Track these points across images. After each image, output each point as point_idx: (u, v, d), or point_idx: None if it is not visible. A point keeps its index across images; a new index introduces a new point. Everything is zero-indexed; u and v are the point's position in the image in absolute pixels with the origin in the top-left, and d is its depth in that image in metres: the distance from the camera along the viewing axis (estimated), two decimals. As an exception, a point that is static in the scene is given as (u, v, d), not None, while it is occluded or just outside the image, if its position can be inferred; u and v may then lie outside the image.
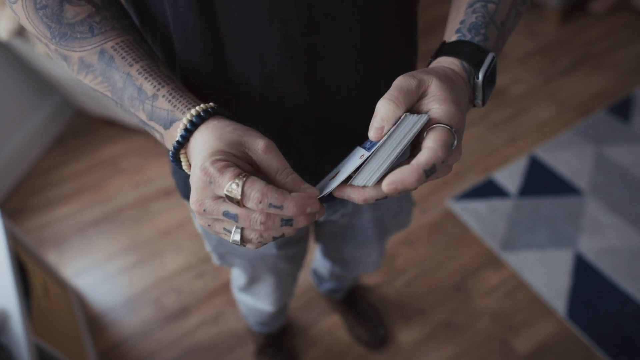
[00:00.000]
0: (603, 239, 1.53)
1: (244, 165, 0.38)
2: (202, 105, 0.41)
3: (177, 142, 0.40)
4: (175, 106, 0.41)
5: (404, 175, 0.35)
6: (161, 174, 1.86)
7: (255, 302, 1.01)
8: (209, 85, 0.50)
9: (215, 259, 0.81)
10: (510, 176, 1.73)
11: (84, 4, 0.42)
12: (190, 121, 0.40)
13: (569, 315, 1.38)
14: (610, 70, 2.08)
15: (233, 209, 0.36)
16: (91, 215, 1.76)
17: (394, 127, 0.38)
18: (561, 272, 1.47)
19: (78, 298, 1.52)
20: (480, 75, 0.44)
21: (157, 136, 0.44)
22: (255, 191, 0.35)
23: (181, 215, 1.71)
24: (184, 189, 0.65)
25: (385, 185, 0.36)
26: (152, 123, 0.43)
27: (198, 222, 0.72)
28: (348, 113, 0.54)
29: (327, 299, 1.44)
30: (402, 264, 1.54)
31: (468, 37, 0.45)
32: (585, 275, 1.45)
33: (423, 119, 0.37)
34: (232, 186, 0.35)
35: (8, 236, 1.11)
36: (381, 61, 0.53)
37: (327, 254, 1.02)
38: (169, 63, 0.51)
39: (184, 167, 0.43)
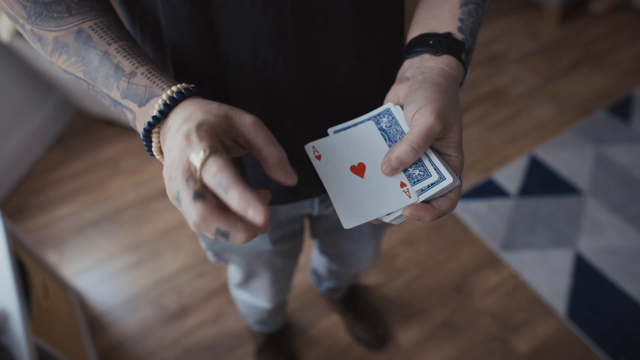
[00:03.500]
0: (603, 239, 1.53)
1: (229, 142, 0.37)
2: (183, 84, 0.39)
3: (154, 117, 0.38)
4: (154, 83, 0.40)
5: (423, 214, 0.42)
6: (161, 174, 1.86)
7: (252, 299, 1.01)
8: (202, 76, 0.50)
9: (210, 257, 0.81)
10: (510, 176, 1.73)
11: None
12: (171, 97, 0.38)
13: (569, 315, 1.38)
14: (610, 70, 2.08)
15: (183, 194, 0.33)
16: (91, 215, 1.76)
17: (432, 191, 0.42)
18: (561, 272, 1.47)
19: (78, 298, 1.52)
20: (462, 86, 0.48)
21: (129, 116, 0.42)
22: (214, 165, 0.32)
23: (181, 215, 1.71)
24: None
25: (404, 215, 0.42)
26: (125, 101, 0.41)
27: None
28: (342, 103, 0.54)
29: (326, 298, 1.44)
30: (402, 264, 1.54)
31: (470, 44, 0.46)
32: (585, 275, 1.45)
33: (453, 186, 0.42)
34: (200, 153, 0.33)
35: (8, 236, 1.11)
36: (374, 52, 0.54)
37: (324, 250, 1.02)
38: (161, 56, 0.51)
39: (154, 148, 0.40)
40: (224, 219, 0.32)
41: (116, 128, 2.05)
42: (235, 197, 0.31)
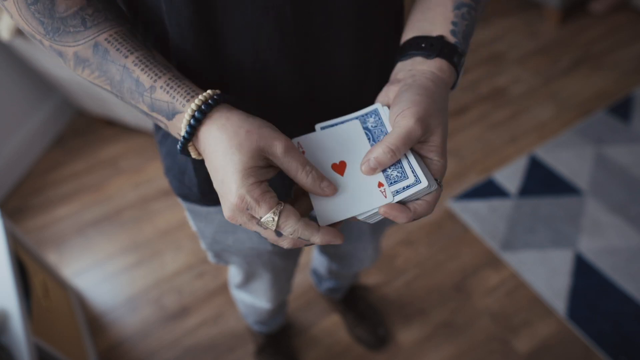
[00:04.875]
0: (603, 239, 1.53)
1: (268, 171, 0.41)
2: (200, 96, 0.41)
3: (184, 137, 0.41)
4: (174, 97, 0.42)
5: (397, 215, 0.42)
6: (161, 174, 1.86)
7: (252, 299, 1.01)
8: (204, 77, 0.50)
9: (210, 257, 0.81)
10: (510, 176, 1.73)
11: None
12: (193, 116, 0.40)
13: (569, 315, 1.38)
14: (610, 70, 2.08)
15: (264, 232, 0.41)
16: (91, 215, 1.76)
17: (407, 192, 0.42)
18: (561, 272, 1.47)
19: (78, 298, 1.52)
20: (455, 88, 0.48)
21: (162, 126, 0.44)
22: (289, 226, 0.39)
23: (181, 215, 1.71)
24: (179, 187, 0.65)
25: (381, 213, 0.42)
26: (154, 114, 0.43)
27: (194, 222, 0.72)
28: (342, 102, 0.54)
29: (326, 298, 1.44)
30: (402, 264, 1.54)
31: (463, 47, 0.47)
32: (585, 275, 1.45)
33: (429, 190, 0.43)
34: (268, 218, 0.39)
35: (8, 236, 1.11)
36: (374, 50, 0.54)
37: (324, 249, 1.02)
38: (165, 56, 0.51)
39: (193, 156, 0.44)
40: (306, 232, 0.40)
41: (116, 128, 2.05)
42: (318, 241, 0.40)
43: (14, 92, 1.85)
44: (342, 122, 0.47)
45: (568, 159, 1.76)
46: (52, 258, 1.64)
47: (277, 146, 0.40)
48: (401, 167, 0.42)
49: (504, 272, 1.50)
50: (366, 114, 0.46)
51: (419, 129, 0.41)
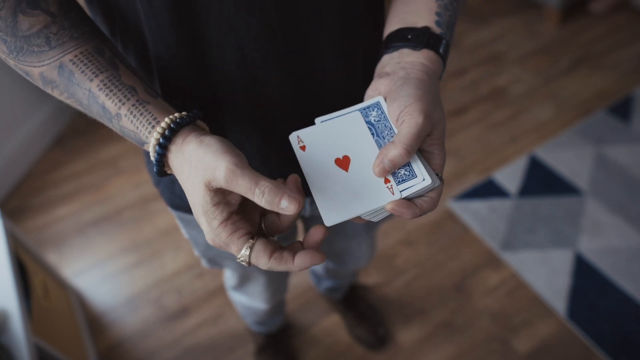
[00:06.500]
0: (603, 239, 1.53)
1: (229, 201, 0.38)
2: (158, 128, 0.39)
3: (156, 170, 0.41)
4: (137, 127, 0.40)
5: (405, 211, 0.42)
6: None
7: (249, 300, 1.01)
8: (190, 86, 0.49)
9: (204, 263, 0.81)
10: (510, 176, 1.73)
11: (39, 14, 0.40)
12: (155, 151, 0.40)
13: (569, 315, 1.38)
14: (610, 70, 2.08)
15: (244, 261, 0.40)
16: (91, 215, 1.76)
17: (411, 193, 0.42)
18: (561, 272, 1.47)
19: (78, 298, 1.52)
20: (440, 80, 0.47)
21: (139, 146, 0.44)
22: (262, 265, 0.39)
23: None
24: (170, 198, 0.64)
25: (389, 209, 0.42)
26: (127, 139, 0.43)
27: (186, 230, 0.72)
28: (330, 103, 0.54)
29: (326, 298, 1.44)
30: (402, 264, 1.54)
31: (448, 37, 0.46)
32: (585, 275, 1.45)
33: (433, 187, 0.43)
34: (242, 257, 0.39)
35: (8, 236, 1.11)
36: (360, 51, 0.53)
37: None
38: (144, 66, 0.50)
39: (172, 173, 0.43)
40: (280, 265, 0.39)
41: (116, 128, 2.05)
42: (295, 269, 0.39)
43: (14, 92, 1.85)
44: (342, 115, 0.45)
45: (568, 159, 1.76)
46: (52, 258, 1.64)
47: (218, 178, 0.36)
48: (409, 165, 0.42)
49: (504, 272, 1.50)
50: (368, 107, 0.45)
51: (427, 125, 0.40)
